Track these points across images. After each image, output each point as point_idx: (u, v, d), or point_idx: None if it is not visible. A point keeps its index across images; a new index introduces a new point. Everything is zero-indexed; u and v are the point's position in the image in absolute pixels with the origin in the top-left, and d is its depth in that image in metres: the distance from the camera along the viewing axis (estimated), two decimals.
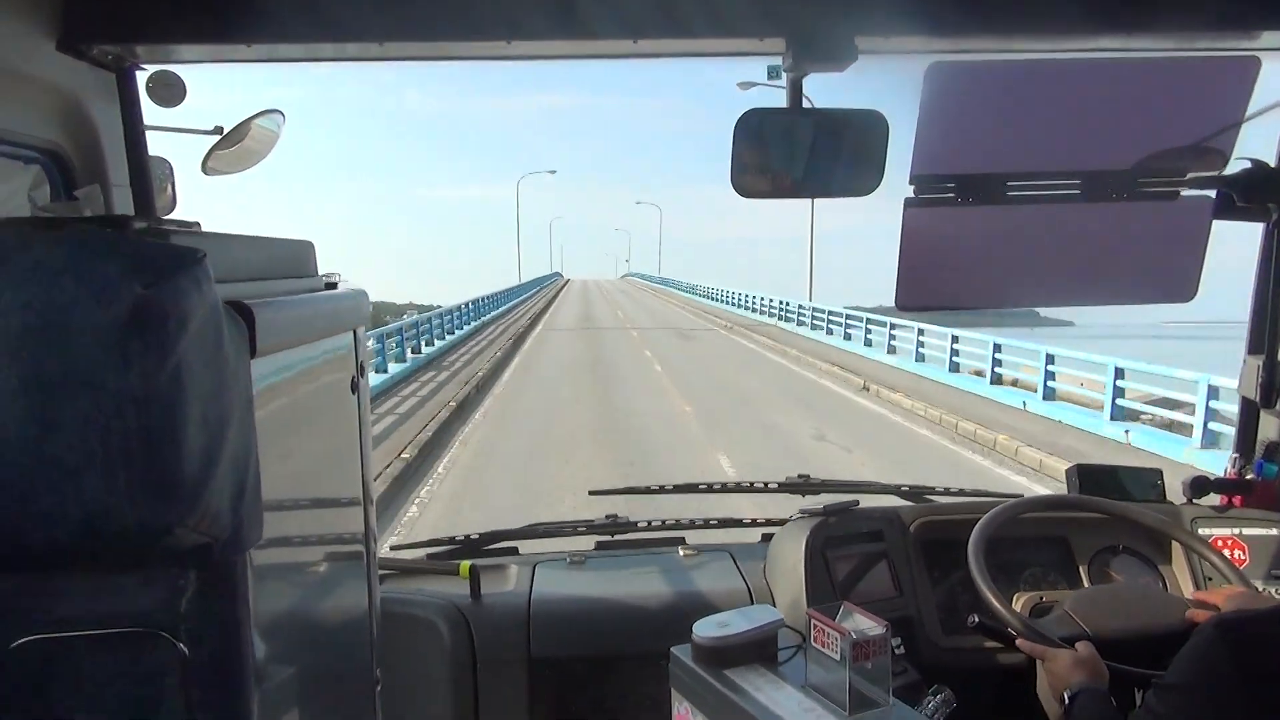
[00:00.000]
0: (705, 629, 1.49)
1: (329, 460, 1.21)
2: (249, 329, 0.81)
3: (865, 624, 1.44)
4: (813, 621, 1.48)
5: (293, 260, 1.14)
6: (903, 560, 1.96)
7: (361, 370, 1.29)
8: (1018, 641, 1.63)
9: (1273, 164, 1.93)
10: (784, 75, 1.68)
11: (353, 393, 1.26)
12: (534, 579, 2.02)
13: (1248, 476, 2.11)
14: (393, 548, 2.20)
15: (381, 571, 2.01)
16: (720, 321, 37.27)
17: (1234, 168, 1.88)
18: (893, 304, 1.94)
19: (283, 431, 0.97)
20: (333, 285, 1.27)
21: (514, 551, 2.20)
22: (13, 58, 1.40)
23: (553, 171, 62.36)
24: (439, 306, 30.89)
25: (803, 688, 1.42)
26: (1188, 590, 1.97)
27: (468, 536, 2.18)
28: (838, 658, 1.40)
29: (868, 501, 2.13)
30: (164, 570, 0.70)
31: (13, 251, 0.65)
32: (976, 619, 1.71)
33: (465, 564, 1.94)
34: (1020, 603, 1.90)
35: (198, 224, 1.00)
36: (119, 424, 0.64)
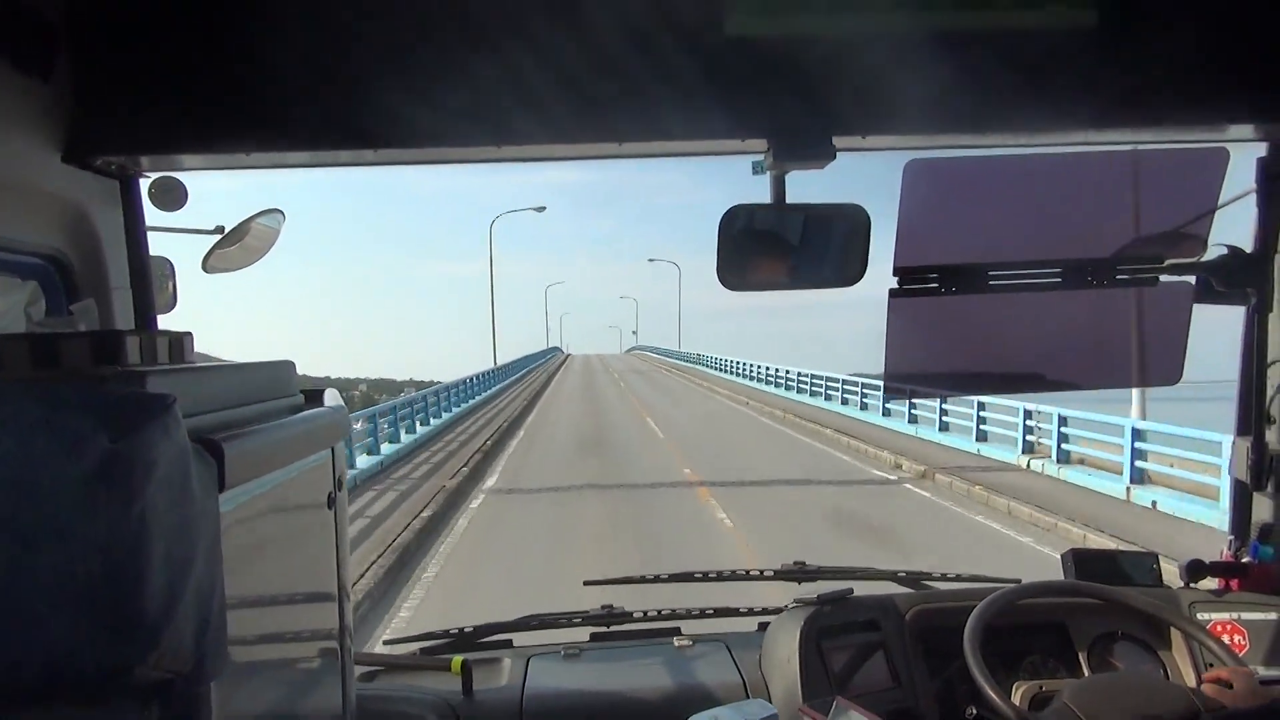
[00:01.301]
0: None
1: (304, 574, 1.21)
2: (218, 465, 0.83)
3: None
4: (804, 719, 1.47)
5: (270, 383, 1.17)
6: (899, 650, 1.94)
7: (339, 484, 1.30)
8: None
9: (1249, 250, 1.97)
10: (767, 172, 1.74)
11: (329, 508, 1.27)
12: (528, 673, 1.99)
13: (1244, 559, 2.10)
14: (386, 642, 2.18)
15: (371, 668, 1.99)
16: (867, 451, 18.25)
17: (1212, 254, 1.92)
18: None
19: (253, 555, 0.98)
20: (317, 396, 1.30)
21: (508, 644, 2.18)
22: (19, 170, 1.45)
23: (541, 209, 45.70)
24: (439, 383, 27.82)
25: None
26: (1189, 676, 1.94)
27: (461, 629, 2.16)
28: None
29: (864, 589, 2.12)
30: (126, 705, 0.71)
31: None
32: (975, 711, 1.69)
33: (457, 659, 1.92)
34: (1020, 693, 1.87)
35: (189, 335, 1.03)
36: (84, 570, 0.66)
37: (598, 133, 1.63)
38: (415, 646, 2.13)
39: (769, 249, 1.77)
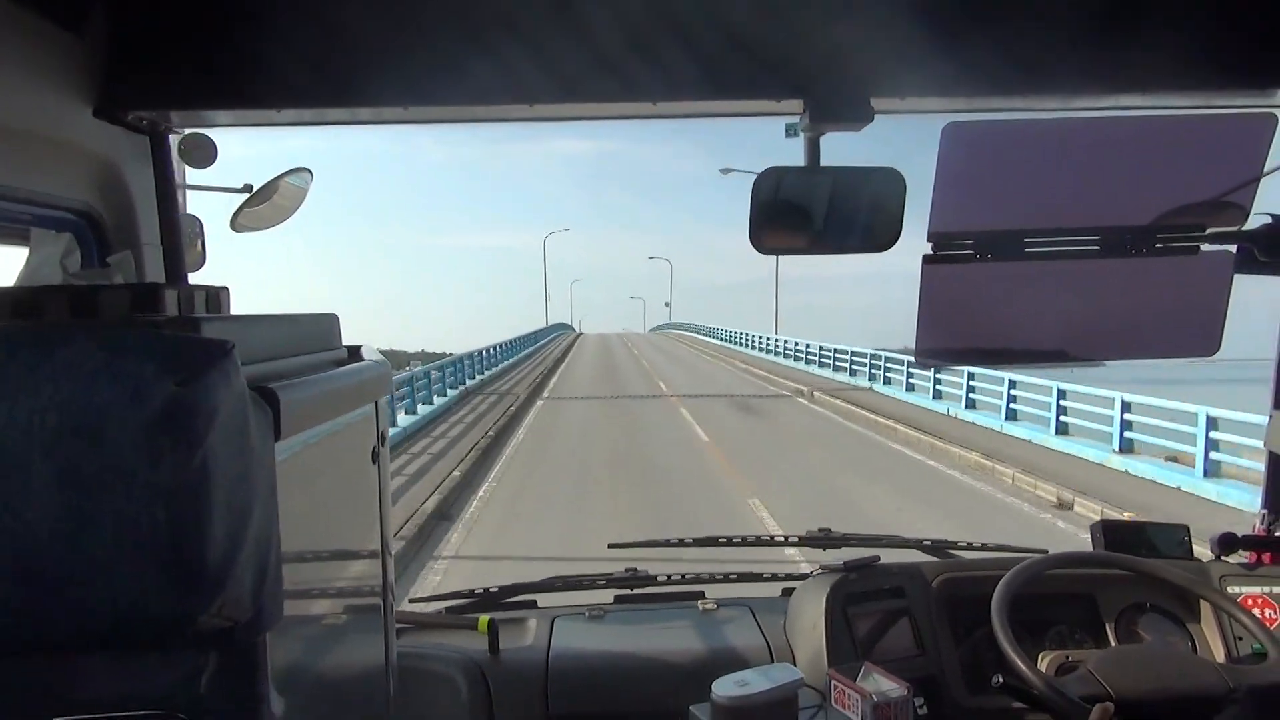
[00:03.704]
0: (724, 688, 1.48)
1: (348, 527, 1.22)
2: (274, 413, 0.82)
3: (887, 685, 1.43)
4: (833, 683, 1.47)
5: (317, 335, 1.17)
6: (925, 617, 1.94)
7: (382, 439, 1.30)
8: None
9: None
10: (801, 134, 1.71)
11: (373, 462, 1.27)
12: (553, 633, 2.01)
13: (1277, 533, 2.08)
14: (412, 600, 2.20)
15: (400, 625, 2.01)
16: None
17: (1254, 223, 1.88)
18: None
19: (304, 505, 0.98)
20: (356, 352, 1.30)
21: (533, 605, 2.19)
22: (51, 124, 1.45)
23: None
24: (450, 354, 27.84)
25: None
26: (1219, 650, 1.93)
27: (486, 589, 2.17)
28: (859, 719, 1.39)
29: (890, 556, 2.12)
30: (186, 652, 0.72)
31: (51, 349, 0.68)
32: (1000, 679, 1.68)
33: (484, 619, 1.93)
34: (1046, 662, 1.86)
35: (226, 290, 1.03)
36: (148, 518, 0.66)
37: (632, 92, 1.60)
38: (442, 605, 2.15)
39: (802, 212, 1.75)
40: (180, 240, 1.79)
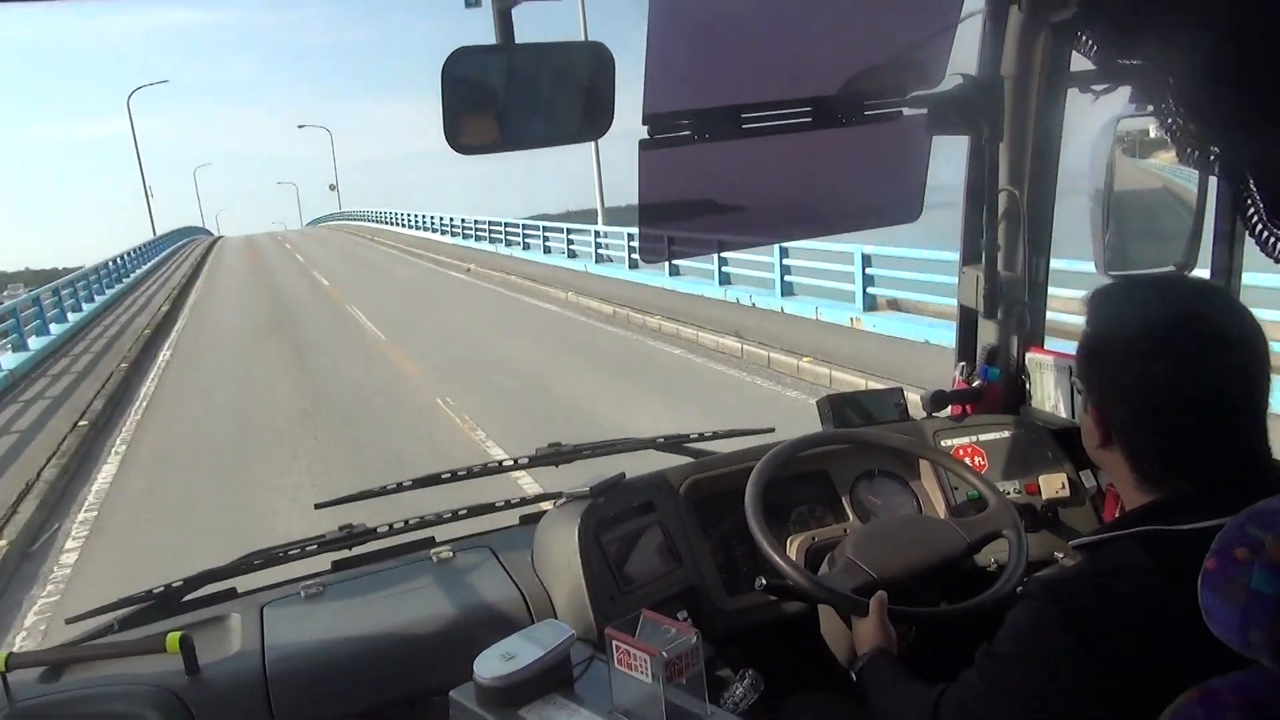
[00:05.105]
0: (488, 667, 1.28)
1: None
2: None
3: (674, 637, 1.29)
4: (614, 644, 1.31)
5: None
6: (677, 527, 1.84)
7: None
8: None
9: (979, 78, 1.95)
10: (489, 5, 1.42)
11: None
12: (264, 626, 1.65)
13: (975, 383, 2.20)
14: (69, 620, 1.72)
15: (45, 665, 1.54)
16: None
17: (948, 84, 1.87)
18: None
19: None
20: None
21: (232, 594, 1.81)
22: None
23: None
24: (67, 270, 22.70)
25: (609, 713, 1.26)
26: (939, 502, 2.02)
27: (167, 586, 1.73)
28: (649, 679, 1.25)
29: (628, 462, 1.99)
30: None
31: None
32: (764, 582, 1.63)
33: (173, 636, 1.51)
34: (794, 546, 1.86)
35: None
36: None
37: None
38: (109, 618, 1.70)
39: (500, 100, 1.47)
40: None
